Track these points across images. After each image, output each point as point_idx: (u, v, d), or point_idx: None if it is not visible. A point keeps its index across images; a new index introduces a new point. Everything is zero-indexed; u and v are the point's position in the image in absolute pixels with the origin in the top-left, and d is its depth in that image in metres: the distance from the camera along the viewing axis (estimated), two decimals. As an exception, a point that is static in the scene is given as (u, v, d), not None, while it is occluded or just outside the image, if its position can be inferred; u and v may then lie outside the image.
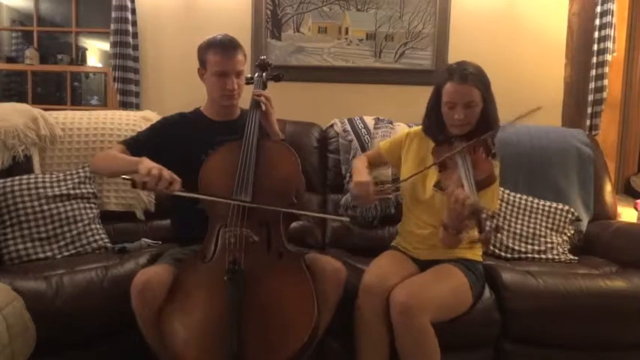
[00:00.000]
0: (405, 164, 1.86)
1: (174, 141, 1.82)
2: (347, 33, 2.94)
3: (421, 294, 1.55)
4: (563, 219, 2.26)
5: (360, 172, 1.81)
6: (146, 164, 1.51)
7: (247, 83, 1.92)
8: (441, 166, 1.59)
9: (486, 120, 1.65)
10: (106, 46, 3.21)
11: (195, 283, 1.50)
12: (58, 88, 4.93)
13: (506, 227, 2.22)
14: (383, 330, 1.59)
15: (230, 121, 1.89)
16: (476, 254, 1.79)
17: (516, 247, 2.19)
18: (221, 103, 1.85)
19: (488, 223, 1.32)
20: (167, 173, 1.49)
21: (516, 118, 1.55)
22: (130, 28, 2.81)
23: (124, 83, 2.83)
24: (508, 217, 2.25)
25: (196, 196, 1.59)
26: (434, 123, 1.74)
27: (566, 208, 2.29)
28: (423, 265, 1.75)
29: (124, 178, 1.51)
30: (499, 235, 2.16)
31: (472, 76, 1.62)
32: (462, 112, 1.62)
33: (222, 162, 1.70)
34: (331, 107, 2.86)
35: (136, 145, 1.79)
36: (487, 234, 1.32)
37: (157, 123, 1.95)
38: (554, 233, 2.24)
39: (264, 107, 1.80)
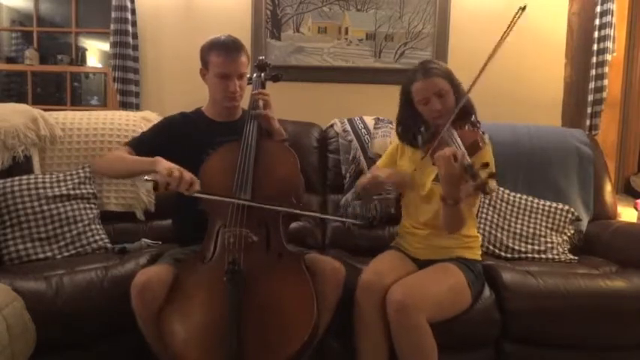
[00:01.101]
0: (401, 167, 1.87)
1: (175, 141, 1.82)
2: (347, 33, 2.94)
3: (417, 292, 1.55)
4: (563, 219, 2.26)
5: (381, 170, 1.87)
6: (164, 165, 1.52)
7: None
8: (435, 150, 1.62)
9: (463, 105, 1.67)
10: (105, 46, 3.21)
11: (195, 283, 1.50)
12: (58, 89, 4.93)
13: (506, 227, 2.22)
14: (382, 328, 1.59)
15: (231, 121, 1.89)
16: (475, 253, 1.80)
17: (516, 247, 2.19)
18: (223, 104, 1.85)
19: (481, 172, 1.34)
20: (187, 174, 1.51)
21: (473, 82, 1.59)
22: (130, 28, 2.81)
23: (124, 83, 2.83)
24: (508, 217, 2.25)
25: (214, 197, 1.57)
26: (412, 124, 1.78)
27: (566, 208, 2.29)
28: (423, 265, 1.76)
29: (146, 180, 1.52)
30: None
31: (434, 70, 1.70)
32: (438, 102, 1.68)
33: (222, 162, 1.70)
34: (331, 107, 2.86)
35: (140, 145, 1.79)
36: (481, 179, 1.34)
37: (159, 123, 1.96)
38: (554, 233, 2.24)
39: (262, 116, 1.79)
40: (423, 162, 1.68)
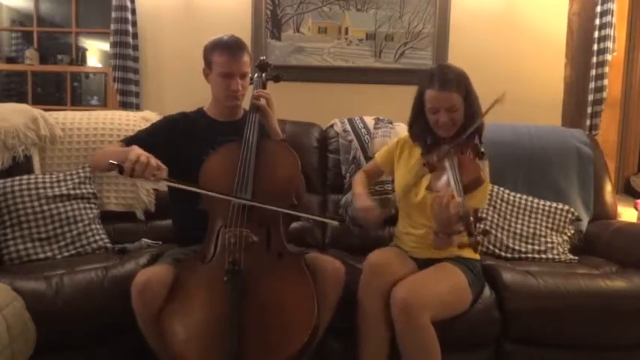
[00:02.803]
0: (398, 170, 1.88)
1: (175, 140, 1.82)
2: (347, 33, 2.94)
3: (421, 292, 1.56)
4: (563, 219, 2.26)
5: (361, 196, 1.82)
6: (136, 151, 1.50)
7: (247, 84, 1.93)
8: (430, 168, 1.61)
9: (471, 120, 1.66)
10: (106, 46, 3.21)
11: (195, 283, 1.50)
12: (58, 89, 4.94)
13: (506, 227, 2.22)
14: (384, 314, 1.59)
15: (233, 121, 1.89)
16: (474, 253, 1.79)
17: (516, 247, 2.19)
18: (225, 103, 1.86)
19: (476, 225, 1.33)
20: (154, 160, 1.49)
21: (485, 112, 1.60)
22: (130, 28, 2.81)
23: (124, 83, 2.83)
24: (508, 217, 2.25)
25: (184, 187, 1.55)
26: (421, 128, 1.76)
27: (566, 208, 2.29)
28: (422, 264, 1.76)
29: (111, 164, 1.48)
30: (489, 237, 2.19)
31: (452, 83, 1.64)
32: (446, 116, 1.65)
33: (222, 162, 1.70)
34: (331, 107, 2.86)
35: (135, 143, 1.78)
36: (475, 237, 1.34)
37: (157, 122, 1.96)
38: (554, 233, 2.24)
39: (262, 108, 1.80)
40: (419, 169, 1.69)
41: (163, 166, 1.51)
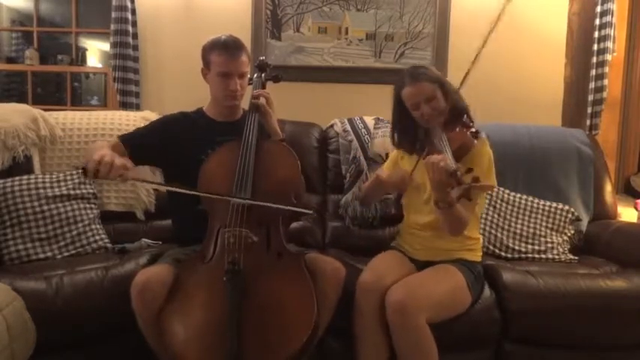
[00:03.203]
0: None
1: (174, 140, 1.82)
2: (347, 33, 2.94)
3: (417, 293, 1.55)
4: (563, 219, 2.26)
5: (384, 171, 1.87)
6: (100, 152, 1.48)
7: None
8: (428, 154, 1.62)
9: (454, 106, 1.70)
10: (106, 46, 3.22)
11: (195, 283, 1.50)
12: (58, 89, 4.94)
13: (506, 227, 2.22)
14: (381, 329, 1.59)
15: (232, 121, 1.89)
16: (476, 255, 1.80)
17: (516, 247, 2.19)
18: (224, 103, 1.86)
19: (465, 177, 1.36)
20: (119, 160, 1.48)
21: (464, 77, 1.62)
22: (130, 28, 2.81)
23: (124, 83, 2.83)
24: (508, 217, 2.25)
25: (156, 186, 1.54)
26: (408, 129, 1.78)
27: (566, 208, 2.29)
28: (422, 266, 1.76)
29: (75, 168, 1.47)
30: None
31: (422, 75, 1.70)
32: (427, 107, 1.68)
33: (222, 162, 1.70)
34: (331, 107, 2.86)
35: (132, 140, 1.79)
36: (467, 186, 1.36)
37: (156, 121, 1.96)
38: (554, 233, 2.24)
39: (262, 108, 1.80)
40: (421, 165, 1.69)
41: (130, 165, 1.51)
